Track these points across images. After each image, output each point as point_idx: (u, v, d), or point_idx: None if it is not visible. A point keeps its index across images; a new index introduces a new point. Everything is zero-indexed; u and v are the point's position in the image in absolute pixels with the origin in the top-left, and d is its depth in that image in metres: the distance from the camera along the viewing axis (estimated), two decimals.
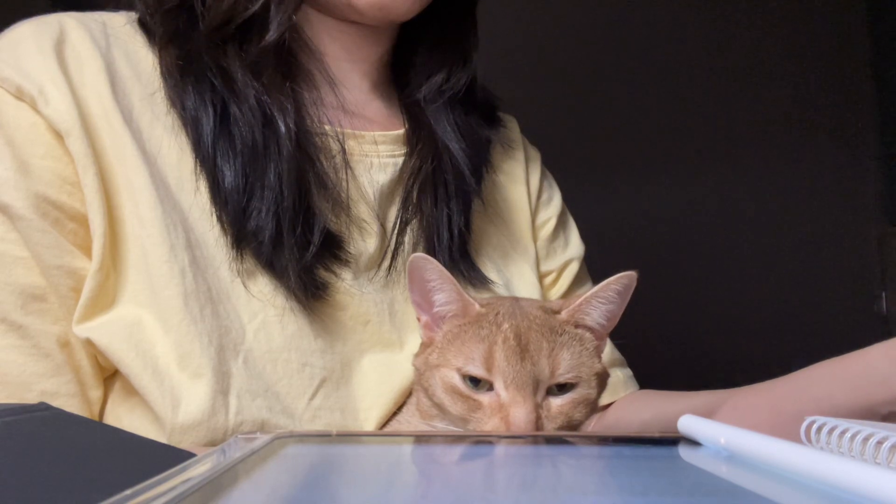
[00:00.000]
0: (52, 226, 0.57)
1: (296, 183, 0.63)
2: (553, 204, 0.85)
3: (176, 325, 0.57)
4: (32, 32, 0.61)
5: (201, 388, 0.56)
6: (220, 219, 0.61)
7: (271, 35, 0.64)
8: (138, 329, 0.57)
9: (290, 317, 0.62)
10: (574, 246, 0.85)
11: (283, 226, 0.61)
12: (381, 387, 0.65)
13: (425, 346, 0.59)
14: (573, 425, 0.54)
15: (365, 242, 0.68)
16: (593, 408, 0.56)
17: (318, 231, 0.63)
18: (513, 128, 0.87)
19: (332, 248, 0.64)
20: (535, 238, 0.82)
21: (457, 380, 0.53)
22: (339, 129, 0.69)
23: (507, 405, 0.52)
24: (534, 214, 0.83)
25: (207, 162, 0.62)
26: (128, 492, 0.26)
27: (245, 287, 0.61)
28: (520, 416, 0.51)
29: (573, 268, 0.83)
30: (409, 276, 0.57)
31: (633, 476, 0.39)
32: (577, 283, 0.83)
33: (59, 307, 0.57)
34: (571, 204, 0.89)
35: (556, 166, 0.90)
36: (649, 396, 0.76)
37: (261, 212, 0.61)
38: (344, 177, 0.67)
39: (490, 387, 0.53)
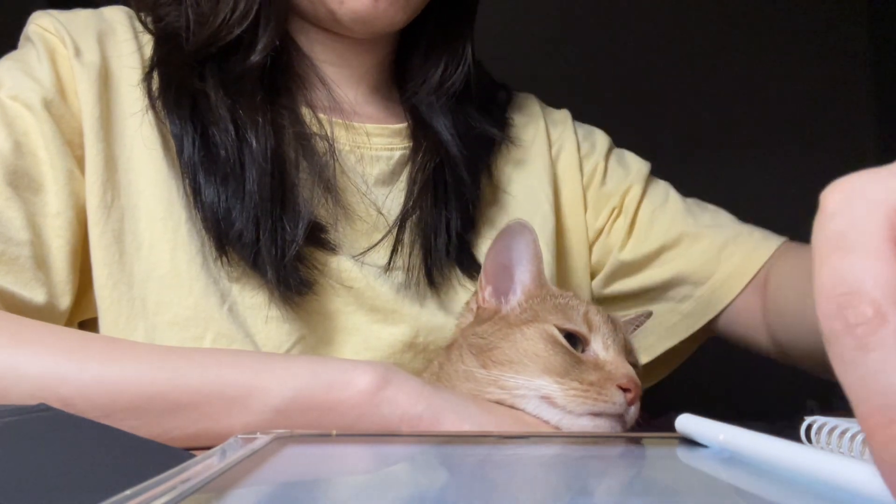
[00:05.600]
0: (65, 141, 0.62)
1: (275, 191, 0.63)
2: (596, 150, 0.84)
3: (161, 275, 0.60)
4: (89, 13, 0.69)
5: (177, 331, 0.59)
6: (203, 226, 0.63)
7: (255, 57, 0.66)
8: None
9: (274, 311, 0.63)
10: (633, 172, 0.83)
11: (263, 232, 0.62)
12: (364, 354, 0.66)
13: (489, 313, 0.59)
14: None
15: (355, 230, 0.68)
16: None
17: (303, 228, 0.63)
18: (528, 105, 0.85)
19: (318, 239, 0.65)
20: (586, 201, 0.81)
21: (556, 332, 0.55)
22: (328, 122, 0.69)
23: (611, 362, 0.54)
24: (585, 188, 0.82)
25: (192, 182, 0.63)
26: (128, 492, 0.26)
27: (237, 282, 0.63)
28: (628, 370, 0.53)
29: (635, 192, 0.81)
30: (500, 237, 0.59)
31: (633, 476, 0.39)
32: (650, 198, 0.82)
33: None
34: None
35: None
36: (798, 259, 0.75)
37: (240, 220, 0.62)
38: (332, 171, 0.67)
39: (583, 348, 0.55)
